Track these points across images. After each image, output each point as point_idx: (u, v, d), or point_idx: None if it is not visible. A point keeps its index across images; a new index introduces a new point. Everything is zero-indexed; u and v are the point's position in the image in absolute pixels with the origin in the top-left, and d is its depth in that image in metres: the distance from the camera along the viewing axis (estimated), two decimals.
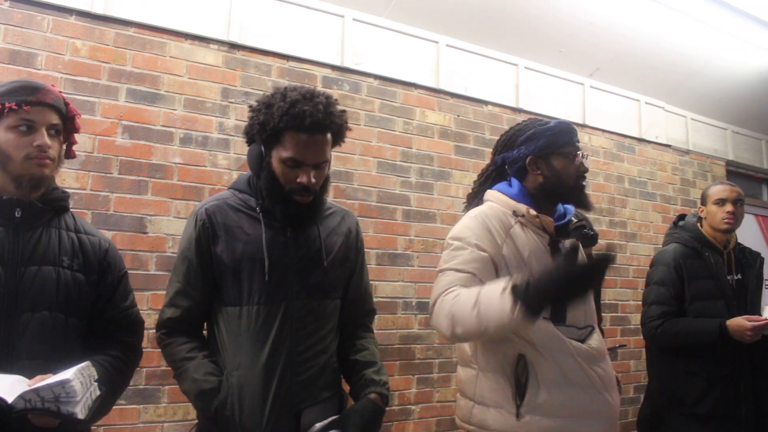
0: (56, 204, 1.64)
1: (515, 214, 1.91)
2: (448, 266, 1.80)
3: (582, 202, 1.97)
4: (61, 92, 1.66)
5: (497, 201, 1.97)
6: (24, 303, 1.50)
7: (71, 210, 1.72)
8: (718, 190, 2.93)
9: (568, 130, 1.97)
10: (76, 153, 1.75)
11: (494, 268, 1.79)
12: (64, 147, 1.67)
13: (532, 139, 1.96)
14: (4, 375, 1.38)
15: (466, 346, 1.93)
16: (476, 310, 1.58)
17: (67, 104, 1.65)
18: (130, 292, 1.76)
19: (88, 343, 1.62)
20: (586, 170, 1.96)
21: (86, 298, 1.61)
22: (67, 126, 1.65)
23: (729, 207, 2.85)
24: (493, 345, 1.82)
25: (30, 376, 1.41)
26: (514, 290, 1.48)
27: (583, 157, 1.96)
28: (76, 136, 1.68)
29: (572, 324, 1.85)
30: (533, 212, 1.89)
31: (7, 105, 1.52)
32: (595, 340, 1.89)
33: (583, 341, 1.85)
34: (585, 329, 1.89)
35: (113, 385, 1.61)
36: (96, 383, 1.45)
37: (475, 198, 2.12)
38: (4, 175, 1.53)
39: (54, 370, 1.45)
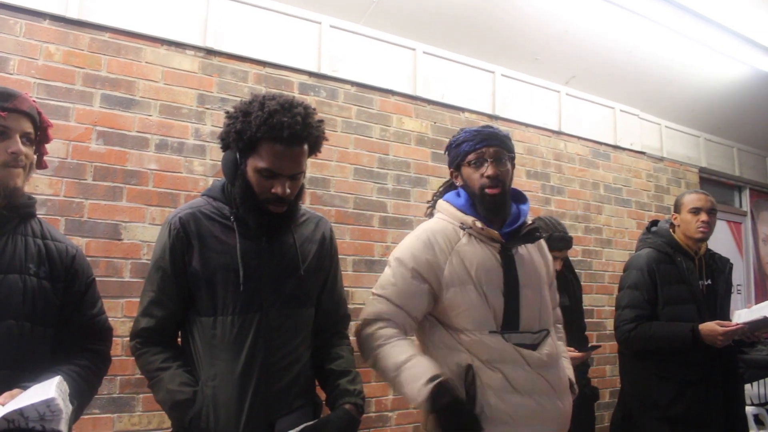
0: (22, 210, 1.59)
1: (462, 226, 1.94)
2: (383, 293, 1.89)
3: (487, 209, 1.93)
4: (35, 101, 1.63)
5: (446, 213, 2.01)
6: None
7: (38, 216, 1.67)
8: (692, 199, 2.93)
9: (470, 139, 1.96)
10: (48, 163, 1.72)
11: (430, 295, 1.89)
12: (35, 157, 1.63)
13: (448, 152, 2.06)
14: None
15: None
16: (396, 374, 1.76)
17: (40, 114, 1.62)
18: (98, 300, 1.72)
19: (56, 351, 1.58)
20: (491, 175, 1.90)
21: (53, 305, 1.58)
22: (39, 136, 1.62)
23: (704, 216, 2.87)
24: (443, 356, 1.87)
25: None
26: (435, 393, 1.67)
27: (492, 159, 1.92)
28: (50, 142, 1.66)
29: (526, 330, 1.88)
30: (479, 224, 1.90)
31: None
32: (548, 346, 1.91)
33: (536, 347, 1.88)
34: (540, 333, 1.91)
35: (82, 397, 1.58)
36: (69, 397, 1.43)
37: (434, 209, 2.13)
38: None
39: (21, 380, 1.43)
